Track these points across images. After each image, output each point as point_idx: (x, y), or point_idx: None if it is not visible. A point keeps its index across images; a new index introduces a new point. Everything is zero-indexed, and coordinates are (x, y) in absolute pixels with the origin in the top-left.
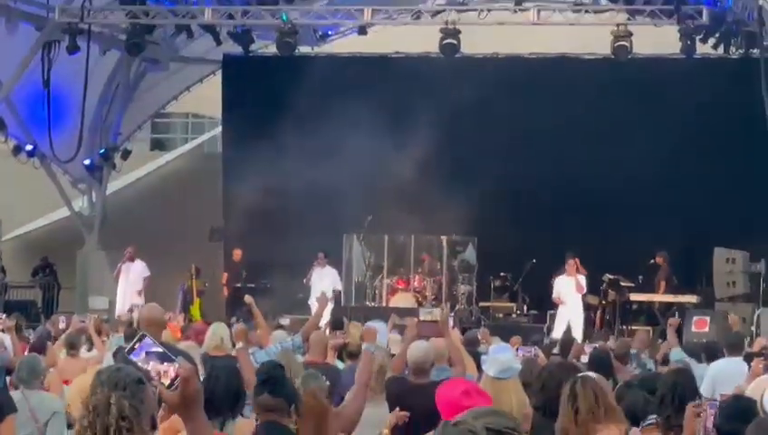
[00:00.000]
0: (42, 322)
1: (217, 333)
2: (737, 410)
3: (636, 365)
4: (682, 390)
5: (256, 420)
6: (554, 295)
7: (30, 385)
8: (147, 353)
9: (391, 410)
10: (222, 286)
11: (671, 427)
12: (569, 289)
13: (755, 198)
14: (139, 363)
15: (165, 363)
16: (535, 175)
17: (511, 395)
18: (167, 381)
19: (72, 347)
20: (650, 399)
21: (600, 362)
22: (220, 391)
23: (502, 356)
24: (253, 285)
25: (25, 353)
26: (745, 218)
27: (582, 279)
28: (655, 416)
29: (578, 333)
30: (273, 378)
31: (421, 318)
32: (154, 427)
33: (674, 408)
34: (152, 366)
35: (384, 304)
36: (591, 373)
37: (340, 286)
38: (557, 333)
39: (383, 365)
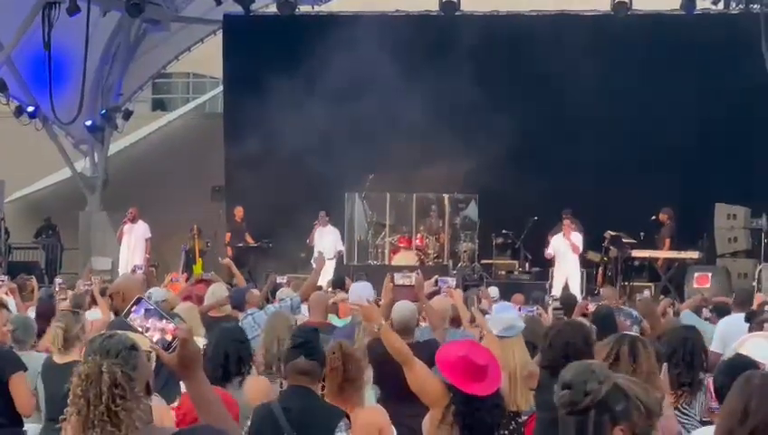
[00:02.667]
0: (45, 283)
1: (216, 295)
2: (732, 368)
3: (624, 317)
4: (692, 346)
5: (281, 383)
6: (548, 251)
7: (24, 345)
8: (146, 311)
9: (375, 372)
10: (224, 246)
11: (681, 384)
12: (565, 248)
13: (756, 154)
14: (138, 322)
15: (164, 321)
16: (537, 132)
17: (514, 353)
18: (167, 340)
19: (78, 308)
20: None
21: (605, 320)
22: (221, 356)
23: (505, 315)
24: (255, 245)
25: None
26: (746, 174)
27: (578, 239)
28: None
29: (576, 291)
30: (308, 342)
31: (397, 283)
32: (149, 392)
33: (685, 364)
34: (152, 323)
35: (386, 263)
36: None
37: (341, 246)
38: (556, 290)
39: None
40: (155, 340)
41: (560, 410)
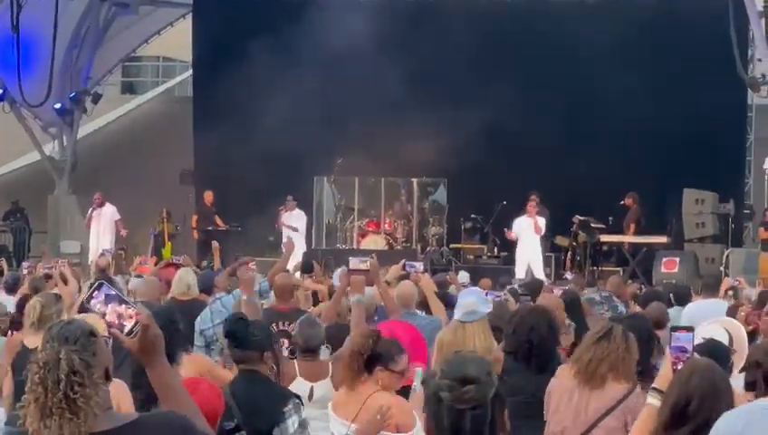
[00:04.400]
0: (14, 266)
1: (184, 280)
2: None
3: (608, 308)
4: (638, 335)
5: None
6: (511, 232)
7: None
8: (106, 296)
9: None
10: (191, 229)
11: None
12: (528, 230)
13: (725, 139)
14: (97, 307)
15: (123, 306)
16: (506, 116)
17: (475, 338)
18: (127, 326)
19: (36, 293)
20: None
21: (571, 304)
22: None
23: (467, 299)
24: (224, 229)
25: None
26: (714, 159)
27: (542, 221)
28: None
29: (538, 273)
30: (234, 332)
31: (351, 267)
32: (108, 379)
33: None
34: (110, 308)
35: (355, 247)
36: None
37: (302, 229)
38: (519, 273)
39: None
40: (113, 324)
41: (454, 403)
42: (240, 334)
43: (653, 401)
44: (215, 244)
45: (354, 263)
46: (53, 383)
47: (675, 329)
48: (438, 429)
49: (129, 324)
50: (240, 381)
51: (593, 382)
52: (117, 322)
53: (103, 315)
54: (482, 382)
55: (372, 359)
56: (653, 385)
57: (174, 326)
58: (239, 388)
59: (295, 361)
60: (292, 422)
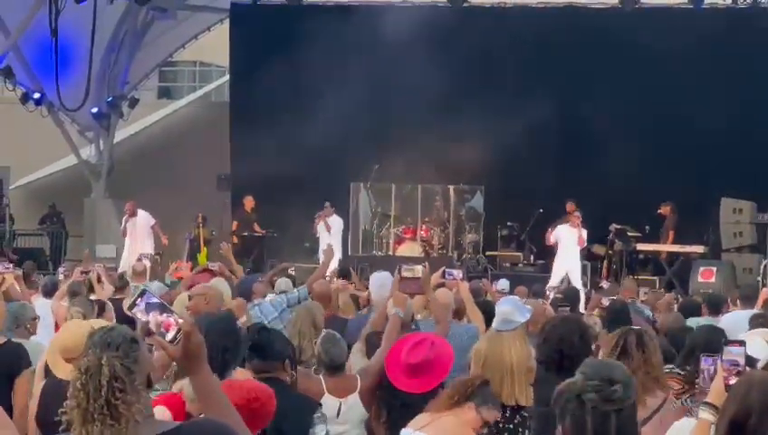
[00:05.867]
0: (50, 269)
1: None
2: None
3: (634, 313)
4: (713, 346)
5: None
6: (551, 239)
7: (13, 333)
8: (147, 305)
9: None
10: (229, 235)
11: (694, 381)
12: (570, 240)
13: (763, 148)
14: (139, 315)
15: (164, 314)
16: (543, 124)
17: (510, 348)
18: (170, 334)
19: (74, 296)
20: (674, 351)
21: (619, 314)
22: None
23: (503, 308)
24: (260, 234)
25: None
26: (752, 168)
27: (585, 232)
28: (671, 366)
29: (577, 284)
30: (258, 344)
31: (403, 275)
32: (150, 385)
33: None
34: (152, 317)
35: (391, 254)
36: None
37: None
38: (553, 281)
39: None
40: (156, 332)
41: (600, 404)
42: (265, 344)
43: (707, 416)
44: (224, 245)
45: (404, 270)
46: (95, 389)
47: (728, 343)
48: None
49: (171, 332)
50: None
51: None
52: (159, 328)
53: (145, 323)
54: (628, 384)
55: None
56: (706, 399)
57: (233, 335)
58: None
59: (321, 377)
60: (320, 429)
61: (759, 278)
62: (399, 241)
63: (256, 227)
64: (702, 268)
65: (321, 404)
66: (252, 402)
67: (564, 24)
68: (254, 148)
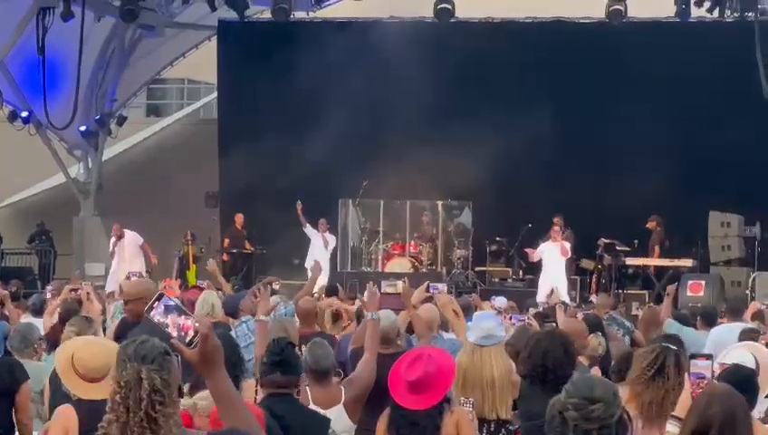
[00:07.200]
0: (39, 288)
1: (208, 301)
2: (730, 377)
3: (617, 327)
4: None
5: (257, 389)
6: (534, 253)
7: (22, 354)
8: (165, 307)
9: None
10: (218, 252)
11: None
12: (552, 256)
13: (750, 161)
14: (158, 318)
15: (183, 317)
16: (531, 139)
17: (492, 363)
18: (188, 337)
19: (71, 314)
20: None
21: (594, 327)
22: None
23: (484, 323)
24: (249, 251)
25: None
26: (740, 182)
27: (567, 245)
28: None
29: (564, 298)
30: (286, 360)
31: (383, 291)
32: (180, 396)
33: None
34: (171, 320)
35: (380, 270)
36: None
37: (326, 255)
38: (540, 297)
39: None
40: (174, 336)
41: (581, 422)
42: (288, 361)
43: (672, 428)
44: (211, 262)
45: (385, 286)
46: (135, 403)
47: (694, 356)
48: None
49: (189, 335)
50: (280, 404)
51: (660, 420)
52: (178, 330)
53: (165, 327)
54: (609, 402)
55: None
56: (673, 413)
57: (235, 350)
58: (280, 410)
59: (307, 387)
60: None
61: (748, 291)
62: (388, 257)
63: (247, 245)
64: (690, 282)
65: (330, 420)
66: None
67: (552, 39)
68: (243, 165)
